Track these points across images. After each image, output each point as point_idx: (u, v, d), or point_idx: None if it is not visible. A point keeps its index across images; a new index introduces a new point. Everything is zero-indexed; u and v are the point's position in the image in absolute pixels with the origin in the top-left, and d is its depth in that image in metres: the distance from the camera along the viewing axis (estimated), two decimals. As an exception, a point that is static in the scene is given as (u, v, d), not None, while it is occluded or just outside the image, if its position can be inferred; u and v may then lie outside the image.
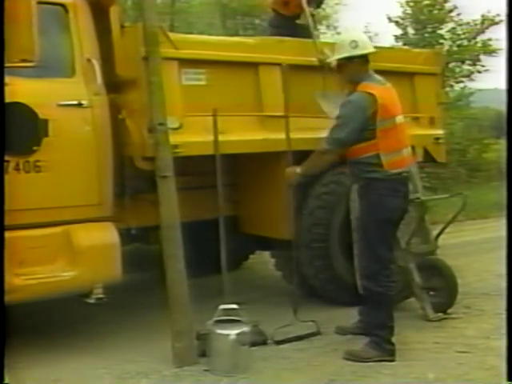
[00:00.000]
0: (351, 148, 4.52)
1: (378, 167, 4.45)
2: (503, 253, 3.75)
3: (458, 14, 16.68)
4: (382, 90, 4.52)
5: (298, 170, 4.68)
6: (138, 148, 4.76)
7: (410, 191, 4.73)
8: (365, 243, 4.63)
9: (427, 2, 16.73)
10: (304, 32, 6.00)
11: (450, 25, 16.73)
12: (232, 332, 4.28)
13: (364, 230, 4.63)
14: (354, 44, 4.58)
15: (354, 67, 4.59)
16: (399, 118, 4.58)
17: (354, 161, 4.57)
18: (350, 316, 5.02)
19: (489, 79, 29.30)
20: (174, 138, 4.54)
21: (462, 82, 16.65)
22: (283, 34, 5.68)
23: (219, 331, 4.31)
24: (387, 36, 31.42)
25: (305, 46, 5.62)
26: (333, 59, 4.79)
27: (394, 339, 4.53)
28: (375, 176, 4.47)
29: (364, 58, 4.61)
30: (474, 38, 16.69)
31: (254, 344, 4.47)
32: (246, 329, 4.33)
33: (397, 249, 5.44)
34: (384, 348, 4.48)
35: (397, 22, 16.99)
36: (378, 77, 4.64)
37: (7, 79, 4.07)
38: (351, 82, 4.63)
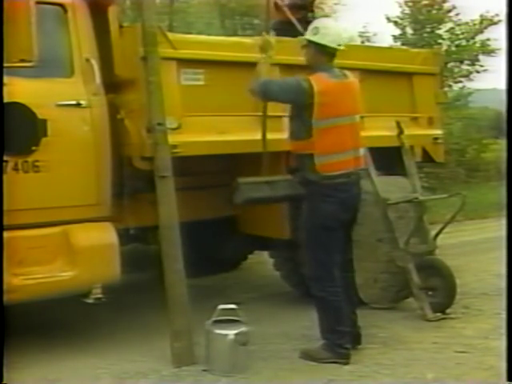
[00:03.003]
0: (292, 143, 4.53)
1: (311, 168, 4.39)
2: (502, 253, 3.76)
3: (457, 14, 16.72)
4: (331, 85, 4.42)
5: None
6: (136, 148, 4.76)
7: (352, 196, 4.55)
8: (306, 247, 4.58)
9: (426, 2, 16.75)
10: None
11: (449, 25, 16.74)
12: (231, 332, 4.28)
13: (303, 232, 4.57)
14: (315, 30, 4.52)
15: (310, 53, 4.55)
16: (349, 119, 4.48)
17: (295, 155, 4.56)
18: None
19: (487, 79, 29.31)
20: (172, 138, 4.54)
21: (460, 81, 16.66)
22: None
23: (218, 331, 4.31)
24: (386, 36, 31.34)
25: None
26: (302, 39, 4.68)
27: (348, 344, 4.47)
28: (311, 178, 4.41)
29: (322, 48, 4.49)
30: (473, 37, 16.70)
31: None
32: (244, 329, 4.33)
33: (395, 249, 5.47)
34: (336, 351, 4.43)
35: (395, 22, 17.00)
36: (337, 71, 4.55)
37: (6, 79, 4.08)
38: (309, 69, 4.54)
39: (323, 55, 4.52)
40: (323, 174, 4.38)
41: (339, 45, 4.54)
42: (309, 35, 4.53)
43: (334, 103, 4.40)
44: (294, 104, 4.48)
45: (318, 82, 4.38)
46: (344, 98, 4.49)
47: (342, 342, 4.45)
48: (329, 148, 4.40)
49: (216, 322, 4.34)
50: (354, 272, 4.87)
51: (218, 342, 4.32)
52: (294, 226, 5.33)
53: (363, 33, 17.26)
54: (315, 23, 4.63)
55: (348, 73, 4.66)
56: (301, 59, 5.32)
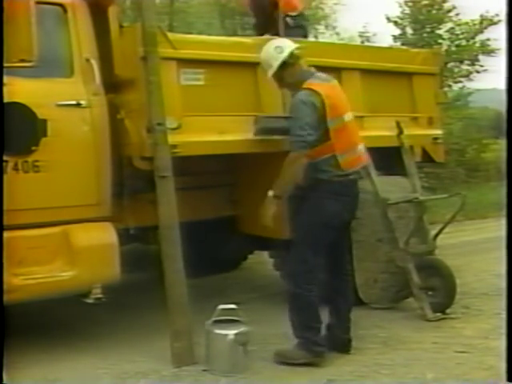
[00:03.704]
0: (309, 154, 4.36)
1: (333, 167, 4.37)
2: (502, 253, 3.75)
3: (457, 14, 16.70)
4: (328, 88, 4.44)
5: (270, 193, 4.39)
6: (136, 148, 4.76)
7: (356, 194, 4.56)
8: (294, 243, 4.50)
9: (426, 2, 16.73)
10: (299, 31, 6.01)
11: (449, 25, 16.73)
12: (230, 332, 4.29)
13: (297, 230, 4.52)
14: (280, 49, 4.51)
15: (292, 70, 4.51)
16: (348, 116, 4.50)
17: (310, 163, 4.39)
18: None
19: (487, 79, 29.28)
20: (172, 138, 4.54)
21: (460, 81, 16.65)
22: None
23: (218, 331, 4.31)
24: (386, 36, 31.44)
25: (303, 46, 5.63)
26: (270, 75, 4.58)
27: (322, 340, 4.47)
28: (322, 177, 4.38)
29: (295, 57, 4.50)
30: (473, 37, 16.70)
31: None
32: (244, 329, 4.33)
33: (395, 249, 5.47)
34: (311, 350, 4.40)
35: (395, 22, 16.98)
36: (320, 74, 4.56)
37: (6, 79, 4.07)
38: (296, 86, 4.47)
39: (300, 62, 4.52)
40: (346, 171, 4.40)
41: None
42: (281, 58, 4.47)
43: (337, 103, 4.44)
44: (318, 114, 4.34)
45: (319, 86, 4.39)
46: (340, 98, 4.53)
47: (317, 338, 4.43)
48: (346, 145, 4.44)
49: (216, 321, 4.34)
50: (350, 274, 4.87)
51: (218, 341, 4.32)
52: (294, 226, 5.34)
53: (363, 33, 17.29)
54: (271, 46, 4.56)
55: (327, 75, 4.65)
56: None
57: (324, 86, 4.44)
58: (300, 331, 4.45)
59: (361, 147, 4.59)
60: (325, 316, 4.65)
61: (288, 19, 6.00)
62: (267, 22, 6.03)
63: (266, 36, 5.59)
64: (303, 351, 4.40)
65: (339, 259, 4.62)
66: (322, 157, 4.40)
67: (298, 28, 6.07)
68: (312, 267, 4.41)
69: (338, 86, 4.62)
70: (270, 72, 4.56)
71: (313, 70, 4.60)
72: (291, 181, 4.36)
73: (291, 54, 4.51)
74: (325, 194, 4.40)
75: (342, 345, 4.63)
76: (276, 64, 4.51)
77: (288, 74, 4.53)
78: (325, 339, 4.66)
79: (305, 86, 4.41)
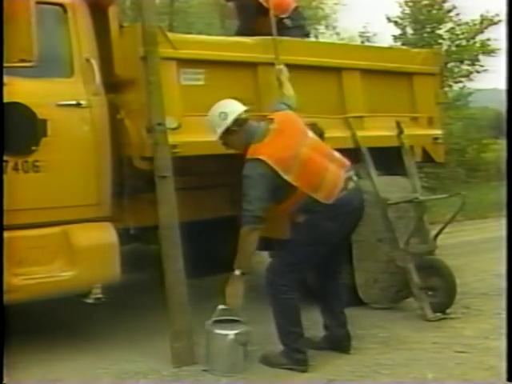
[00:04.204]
0: (282, 208, 4.36)
1: (316, 202, 4.27)
2: (502, 253, 3.76)
3: (457, 14, 16.73)
4: (269, 145, 4.26)
5: (237, 272, 4.34)
6: (136, 148, 4.76)
7: (359, 204, 4.49)
8: (285, 246, 4.46)
9: (426, 2, 16.75)
10: (298, 31, 6.01)
11: (449, 25, 16.76)
12: (231, 332, 4.29)
13: (291, 238, 4.45)
14: (224, 115, 4.40)
15: (235, 137, 4.41)
16: (306, 144, 4.35)
17: (292, 210, 4.38)
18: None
19: (487, 79, 29.35)
20: (172, 138, 4.55)
21: (460, 81, 16.67)
22: None
23: (218, 331, 4.31)
24: (386, 36, 31.45)
25: (303, 46, 5.64)
26: (217, 138, 4.48)
27: (305, 348, 4.37)
28: (316, 208, 4.28)
29: (240, 122, 4.40)
30: (473, 37, 16.72)
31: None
32: (244, 329, 4.33)
33: (395, 249, 5.47)
34: (292, 357, 4.32)
35: (395, 22, 17.00)
36: (261, 128, 4.39)
37: (6, 79, 4.08)
38: (244, 148, 4.36)
39: (244, 124, 4.42)
40: (329, 201, 4.28)
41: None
42: (224, 125, 4.38)
43: (284, 153, 4.26)
44: (268, 181, 4.22)
45: (257, 151, 4.26)
46: (286, 140, 4.34)
47: (297, 345, 4.35)
48: (314, 183, 4.30)
49: (216, 321, 4.34)
50: (344, 274, 4.85)
51: (218, 341, 4.32)
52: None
53: (363, 33, 17.31)
54: (216, 111, 4.46)
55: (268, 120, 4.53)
56: (300, 59, 5.36)
57: (264, 145, 4.27)
58: (282, 336, 4.39)
59: (331, 162, 4.39)
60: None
61: (286, 20, 5.97)
62: (251, 28, 5.96)
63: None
64: (285, 358, 4.35)
65: (333, 261, 4.59)
66: (300, 202, 4.30)
67: (297, 28, 6.06)
68: (296, 271, 4.35)
69: (282, 124, 4.42)
70: (215, 137, 4.47)
71: (254, 125, 4.45)
72: (249, 256, 4.36)
73: (235, 121, 4.39)
74: (321, 215, 4.29)
75: (340, 341, 4.61)
76: (219, 131, 4.42)
77: (232, 139, 4.43)
78: (324, 339, 4.67)
79: (249, 153, 4.27)
